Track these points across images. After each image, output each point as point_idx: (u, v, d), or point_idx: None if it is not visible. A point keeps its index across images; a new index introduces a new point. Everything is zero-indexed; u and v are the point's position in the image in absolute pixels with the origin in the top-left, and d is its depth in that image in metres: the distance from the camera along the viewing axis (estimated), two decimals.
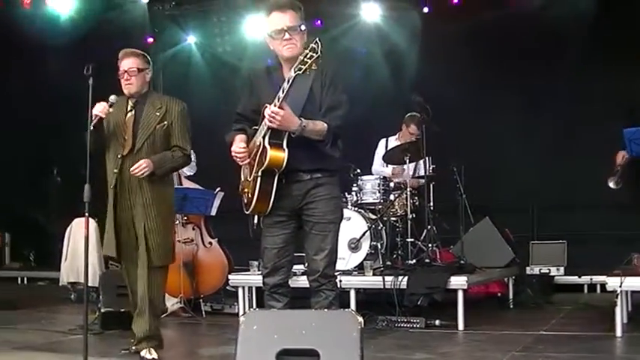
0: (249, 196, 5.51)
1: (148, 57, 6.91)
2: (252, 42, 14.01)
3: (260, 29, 13.39)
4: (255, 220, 5.74)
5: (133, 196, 6.60)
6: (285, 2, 5.47)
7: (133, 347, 6.78)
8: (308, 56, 4.94)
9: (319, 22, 13.64)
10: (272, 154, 5.28)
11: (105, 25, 14.32)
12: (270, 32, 5.49)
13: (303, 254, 5.68)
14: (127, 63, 6.70)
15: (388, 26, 13.44)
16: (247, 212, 5.63)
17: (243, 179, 5.70)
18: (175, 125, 6.73)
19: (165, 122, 6.69)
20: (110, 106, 6.48)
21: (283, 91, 5.16)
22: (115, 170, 6.59)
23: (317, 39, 4.99)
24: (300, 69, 5.00)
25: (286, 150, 5.30)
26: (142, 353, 6.59)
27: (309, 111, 5.39)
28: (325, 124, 5.35)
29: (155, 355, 6.57)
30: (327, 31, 13.46)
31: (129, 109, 6.71)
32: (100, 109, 6.42)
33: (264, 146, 5.34)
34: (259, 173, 5.37)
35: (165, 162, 6.64)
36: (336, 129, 5.44)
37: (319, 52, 4.93)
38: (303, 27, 5.47)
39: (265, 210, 5.48)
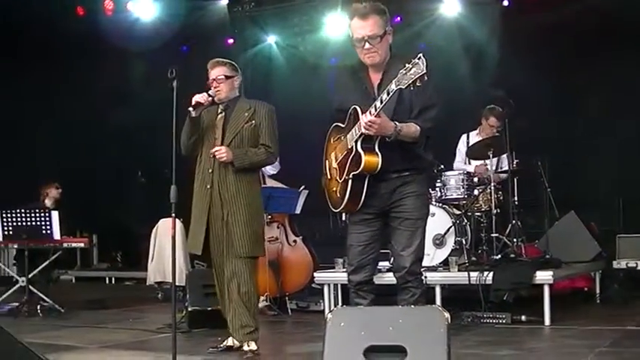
0: (338, 196, 5.57)
1: (236, 65, 7.15)
2: (333, 40, 14.08)
3: (340, 27, 13.49)
4: (343, 217, 5.79)
5: (221, 193, 6.80)
6: (366, 9, 5.45)
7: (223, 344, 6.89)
8: (412, 72, 4.95)
9: (399, 18, 13.63)
10: (367, 159, 5.32)
11: (186, 28, 14.50)
12: (352, 39, 5.53)
13: (388, 251, 5.69)
14: (215, 72, 6.96)
15: (468, 21, 13.38)
16: (336, 211, 5.69)
17: (329, 177, 5.75)
18: (263, 125, 6.95)
19: (254, 122, 6.93)
20: (209, 97, 6.83)
21: (382, 102, 5.17)
22: (210, 170, 6.85)
23: (421, 54, 4.99)
24: (403, 83, 5.00)
25: (380, 154, 5.34)
26: (245, 346, 6.76)
27: (400, 112, 5.41)
28: (418, 127, 5.38)
29: (253, 347, 6.72)
30: (407, 27, 13.46)
31: (219, 112, 7.00)
32: (200, 95, 6.79)
33: (357, 151, 5.37)
34: (351, 176, 5.42)
35: (245, 155, 6.85)
36: (429, 131, 5.46)
37: (424, 70, 4.93)
38: (388, 29, 5.48)
39: (355, 209, 5.54)
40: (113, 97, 16.62)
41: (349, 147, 5.49)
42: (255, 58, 15.85)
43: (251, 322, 6.78)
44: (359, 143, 5.36)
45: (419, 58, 4.96)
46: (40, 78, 15.61)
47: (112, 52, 15.28)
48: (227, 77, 6.95)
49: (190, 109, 6.72)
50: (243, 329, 6.75)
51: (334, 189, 5.67)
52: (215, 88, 6.90)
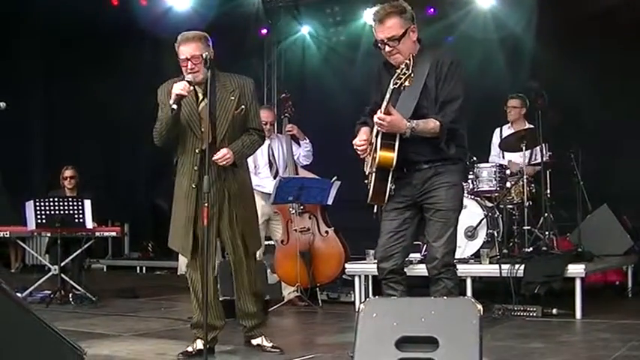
0: (368, 188, 5.64)
1: (208, 35, 6.36)
2: (367, 31, 14.05)
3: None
4: (375, 210, 5.80)
5: (221, 191, 6.31)
6: (383, 12, 5.50)
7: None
8: (402, 72, 5.12)
9: (432, 9, 13.61)
10: (381, 154, 5.40)
11: (221, 18, 14.52)
12: (375, 41, 5.61)
13: (419, 243, 5.71)
14: (189, 49, 6.20)
15: (503, 12, 13.32)
16: (368, 202, 5.72)
17: (367, 170, 5.79)
18: (251, 108, 6.41)
19: (243, 107, 6.34)
20: (190, 85, 6.11)
21: (387, 101, 5.28)
22: (195, 167, 6.27)
23: (410, 55, 5.17)
24: (395, 83, 5.17)
25: (397, 150, 5.37)
26: (254, 341, 6.67)
27: (425, 106, 5.47)
28: (438, 122, 5.40)
29: (269, 343, 6.61)
30: (441, 19, 13.42)
31: (200, 98, 6.31)
32: (181, 87, 6.06)
33: (375, 146, 5.47)
34: (373, 170, 5.51)
35: (244, 150, 6.40)
36: (451, 124, 5.47)
37: (410, 70, 5.09)
38: (411, 27, 5.52)
39: (382, 202, 5.61)
40: (147, 87, 16.68)
41: (372, 142, 5.59)
42: (289, 49, 15.89)
43: (261, 319, 6.75)
44: (378, 139, 5.44)
45: (408, 59, 5.14)
46: (76, 67, 15.69)
47: (147, 42, 15.36)
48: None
49: (173, 105, 6.01)
50: (256, 327, 6.69)
51: (366, 181, 5.74)
52: (191, 70, 6.16)
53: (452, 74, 5.48)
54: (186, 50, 6.19)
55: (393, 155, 5.38)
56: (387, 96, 5.28)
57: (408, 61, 5.11)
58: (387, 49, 5.51)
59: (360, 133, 5.77)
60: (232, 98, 6.29)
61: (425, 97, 5.45)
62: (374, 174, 5.52)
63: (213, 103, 6.18)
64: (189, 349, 6.46)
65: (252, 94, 6.44)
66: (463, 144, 5.70)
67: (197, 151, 6.24)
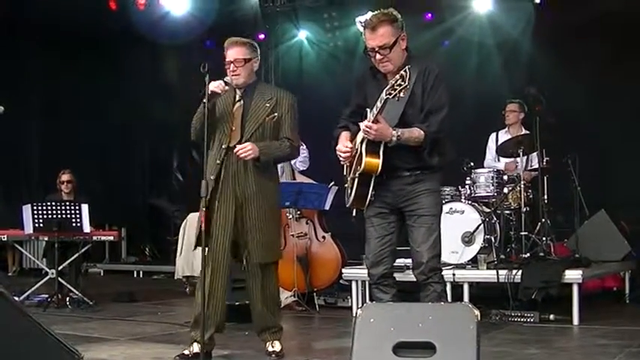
0: (348, 192, 5.72)
1: (255, 44, 6.62)
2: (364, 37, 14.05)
3: None
4: (354, 213, 5.83)
5: (238, 189, 6.37)
6: (375, 20, 5.52)
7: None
8: (397, 83, 5.13)
9: (430, 15, 13.62)
10: (367, 160, 5.44)
11: (219, 23, 14.55)
12: (365, 48, 5.64)
13: (409, 248, 5.73)
14: (233, 53, 6.44)
15: (500, 17, 13.33)
16: (347, 206, 5.81)
17: (345, 174, 5.87)
18: (285, 118, 6.52)
19: (276, 114, 6.48)
20: (226, 85, 6.32)
21: (377, 108, 5.34)
22: (218, 161, 6.39)
23: (407, 67, 5.18)
24: (390, 94, 5.18)
25: (381, 157, 5.43)
26: (267, 346, 6.63)
27: (410, 114, 5.52)
28: (422, 132, 5.45)
29: (277, 348, 6.58)
30: (439, 24, 13.45)
31: (237, 99, 6.52)
32: (216, 84, 6.25)
33: (360, 152, 5.51)
34: (356, 175, 5.55)
35: (271, 149, 6.42)
36: (435, 134, 5.51)
37: (407, 82, 5.11)
38: (401, 35, 5.55)
39: (362, 207, 5.67)
40: (146, 91, 16.72)
41: (356, 147, 5.63)
42: (286, 53, 15.90)
43: (275, 323, 6.68)
44: (363, 145, 5.49)
45: (404, 71, 5.14)
46: (74, 70, 15.70)
47: (145, 46, 15.38)
48: (246, 60, 6.41)
49: (205, 101, 6.18)
50: (268, 330, 6.66)
51: (346, 185, 5.81)
52: (233, 72, 6.41)
53: (438, 84, 5.53)
54: (230, 53, 6.44)
55: (378, 161, 5.43)
56: (379, 105, 5.33)
57: (404, 73, 5.13)
58: (378, 57, 5.53)
59: (342, 139, 5.81)
60: (267, 105, 6.47)
61: (411, 104, 5.49)
62: (356, 179, 5.56)
63: (246, 105, 6.45)
64: (186, 352, 6.42)
65: (290, 106, 6.57)
66: (444, 151, 5.73)
67: (223, 146, 6.39)
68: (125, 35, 14.94)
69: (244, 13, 15.36)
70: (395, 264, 5.82)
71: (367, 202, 5.61)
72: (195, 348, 6.37)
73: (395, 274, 5.81)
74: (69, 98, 16.10)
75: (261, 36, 15.92)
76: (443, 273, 5.74)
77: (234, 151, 6.29)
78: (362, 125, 5.39)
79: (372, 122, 5.33)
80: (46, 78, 15.88)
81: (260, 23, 15.71)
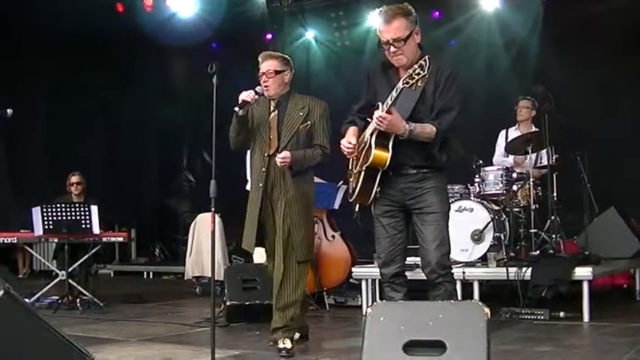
0: (353, 186, 5.72)
1: (288, 58, 7.06)
2: (372, 35, 14.05)
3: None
4: (357, 209, 5.86)
5: (277, 193, 6.81)
6: (390, 13, 5.51)
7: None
8: (416, 72, 5.14)
9: (437, 13, 13.61)
10: (376, 153, 5.44)
11: (226, 24, 14.55)
12: (378, 42, 5.61)
13: (418, 246, 5.72)
14: (265, 65, 6.88)
15: (507, 15, 13.32)
16: (350, 201, 5.84)
17: (350, 168, 5.87)
18: (318, 125, 6.92)
19: (309, 122, 6.88)
20: (256, 94, 6.71)
21: (391, 99, 5.34)
22: (264, 169, 6.82)
23: (427, 57, 5.17)
24: (407, 83, 5.20)
25: (390, 151, 5.44)
26: (280, 343, 6.70)
27: (421, 111, 5.51)
28: (434, 128, 5.44)
29: (288, 345, 6.64)
30: (447, 23, 13.43)
31: (272, 109, 6.93)
32: (246, 94, 6.66)
33: (370, 144, 5.50)
34: (363, 168, 5.55)
35: (304, 158, 6.81)
36: (445, 133, 5.51)
37: (426, 72, 5.12)
38: (415, 30, 5.54)
39: (366, 202, 5.68)
40: (156, 93, 16.74)
41: (365, 140, 5.63)
42: (294, 53, 15.87)
43: (294, 323, 6.82)
44: (373, 137, 5.48)
45: (424, 60, 5.14)
46: (82, 72, 15.71)
47: (153, 48, 15.40)
48: (277, 72, 6.87)
49: (236, 108, 6.63)
50: (284, 328, 6.76)
51: (351, 179, 5.82)
52: (264, 82, 6.83)
53: (451, 84, 5.52)
54: (263, 66, 6.90)
55: (387, 155, 5.43)
56: (394, 94, 5.34)
57: (423, 62, 5.12)
58: (392, 49, 5.52)
59: (349, 134, 5.81)
60: (301, 114, 6.89)
61: (422, 102, 5.48)
62: (362, 173, 5.56)
63: (281, 115, 6.89)
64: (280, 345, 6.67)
65: (322, 114, 6.99)
66: (450, 150, 5.75)
67: (265, 155, 6.84)
68: (132, 37, 14.93)
69: (252, 14, 15.37)
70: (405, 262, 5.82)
71: (371, 199, 5.62)
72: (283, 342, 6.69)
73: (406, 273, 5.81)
74: (77, 99, 16.09)
75: (269, 36, 15.95)
76: (453, 271, 5.73)
77: (276, 158, 6.71)
78: (375, 115, 5.37)
79: (387, 112, 5.31)
80: (54, 79, 15.89)
81: (267, 23, 15.72)
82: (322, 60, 15.56)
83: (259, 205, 6.81)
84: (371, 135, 5.51)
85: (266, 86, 6.83)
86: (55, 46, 15.30)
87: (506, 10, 13.32)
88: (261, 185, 6.80)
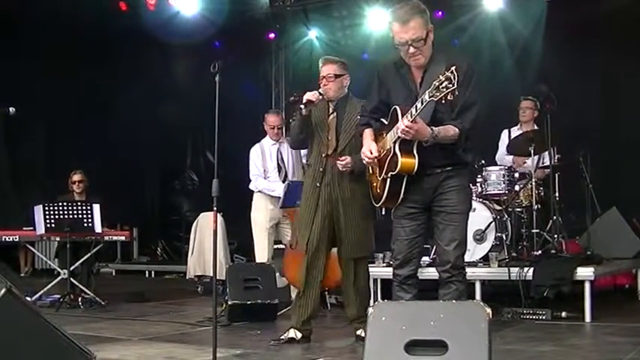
0: (378, 191, 5.71)
1: (346, 64, 7.28)
2: (375, 35, 14.08)
3: (382, 21, 13.51)
4: (383, 211, 5.88)
5: (333, 193, 7.03)
6: (406, 13, 5.42)
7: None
8: (444, 85, 4.99)
9: (440, 13, 13.60)
10: (404, 161, 5.43)
11: (229, 23, 14.55)
12: (395, 42, 5.53)
13: (428, 246, 5.73)
14: (325, 70, 7.13)
15: (510, 15, 13.31)
16: (376, 205, 5.83)
17: (371, 172, 5.87)
18: None
19: None
20: (320, 95, 7.01)
21: (417, 110, 5.25)
22: (321, 169, 7.06)
23: (453, 68, 4.98)
24: (435, 96, 5.07)
25: (417, 156, 5.43)
26: (358, 332, 7.13)
27: (441, 111, 5.45)
28: (457, 130, 5.42)
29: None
30: (450, 22, 13.42)
31: (330, 111, 7.17)
32: (312, 94, 7.00)
33: (394, 152, 5.48)
34: (389, 176, 5.53)
35: (361, 162, 6.75)
36: (467, 132, 5.48)
37: (455, 84, 4.96)
38: (430, 27, 5.47)
39: (394, 205, 5.67)
40: (159, 92, 16.74)
41: (388, 147, 5.60)
42: (297, 53, 15.90)
43: (359, 313, 7.15)
44: (397, 145, 5.47)
45: (451, 72, 4.97)
46: (85, 70, 15.71)
47: (154, 46, 15.39)
48: (336, 76, 7.09)
49: (302, 106, 6.93)
50: (355, 320, 7.24)
51: (374, 184, 5.81)
52: (324, 86, 7.06)
53: (469, 79, 5.42)
54: (324, 69, 7.16)
55: (414, 161, 5.43)
56: (419, 106, 5.23)
57: (450, 75, 4.96)
58: (412, 50, 5.45)
59: (367, 139, 5.84)
60: (358, 117, 6.70)
61: (441, 102, 5.34)
62: (389, 180, 5.55)
63: (340, 117, 7.12)
64: (282, 336, 7.15)
65: None
66: (475, 146, 5.74)
67: (323, 155, 7.10)
68: (135, 35, 14.93)
69: (254, 13, 15.38)
70: None
71: (398, 202, 5.63)
72: (291, 333, 7.13)
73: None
74: (80, 97, 16.09)
75: (272, 36, 15.96)
76: (466, 272, 5.74)
77: (338, 162, 6.97)
78: (400, 125, 5.32)
79: (413, 122, 5.27)
80: (56, 77, 15.88)
81: (270, 23, 15.73)
82: None
83: (316, 205, 7.06)
84: (394, 143, 5.49)
85: (327, 89, 7.07)
86: (58, 45, 15.29)
87: (510, 10, 13.32)
88: (318, 184, 7.06)
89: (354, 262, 7.19)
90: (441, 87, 5.00)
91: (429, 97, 5.11)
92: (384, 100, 5.76)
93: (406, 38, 5.42)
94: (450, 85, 4.97)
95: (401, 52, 5.55)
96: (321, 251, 7.13)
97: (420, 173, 5.51)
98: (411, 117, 5.28)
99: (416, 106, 5.26)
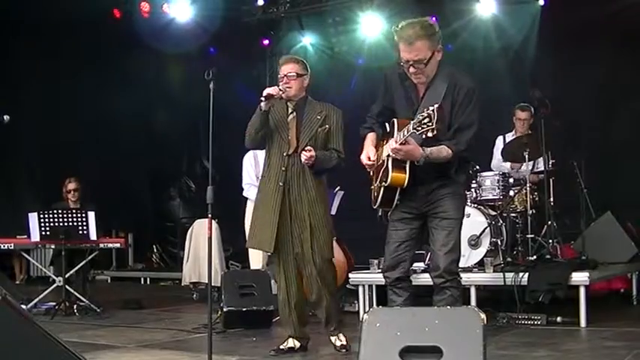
0: (376, 195, 5.76)
1: (307, 64, 7.19)
2: (369, 40, 14.09)
3: (375, 27, 13.54)
4: (380, 213, 5.91)
5: (297, 193, 6.90)
6: (413, 34, 5.41)
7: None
8: (424, 122, 5.09)
9: (434, 18, 13.59)
10: (394, 175, 5.52)
11: (223, 30, 14.56)
12: (399, 59, 5.55)
13: (423, 252, 5.76)
14: (287, 68, 7.02)
15: (504, 21, 13.32)
16: (374, 207, 5.87)
17: (372, 174, 5.91)
18: (335, 130, 7.05)
19: (327, 126, 7.02)
20: (280, 91, 6.84)
21: (403, 136, 5.33)
22: (283, 168, 6.89)
23: (433, 108, 5.06)
24: (417, 130, 5.16)
25: (408, 172, 5.48)
26: (332, 339, 7.14)
27: (438, 130, 5.41)
28: (450, 151, 5.45)
29: (344, 342, 7.05)
30: (443, 28, 13.39)
31: (289, 111, 7.05)
32: (272, 88, 6.84)
33: (387, 166, 5.56)
34: (382, 185, 5.61)
35: (325, 159, 6.95)
36: (463, 152, 5.52)
37: (434, 124, 5.05)
38: (438, 48, 5.52)
39: (389, 208, 5.74)
40: (152, 99, 16.74)
41: (383, 158, 5.68)
42: None
43: (337, 318, 7.18)
44: (389, 159, 5.53)
45: (432, 111, 5.06)
46: (79, 78, 15.71)
47: (149, 52, 15.40)
48: (298, 75, 7.00)
49: (262, 99, 6.75)
50: (330, 325, 7.15)
51: (372, 187, 5.87)
52: (285, 84, 6.93)
53: (469, 100, 5.47)
54: (284, 68, 7.04)
55: (405, 176, 5.50)
56: (406, 133, 5.29)
57: (431, 113, 5.05)
58: (412, 70, 5.48)
59: (368, 145, 5.86)
60: (319, 117, 7.03)
61: (439, 120, 5.33)
62: (382, 189, 5.63)
63: (300, 117, 7.01)
64: (282, 346, 7.02)
65: (338, 120, 7.12)
66: (469, 168, 5.78)
67: (285, 154, 6.94)
68: (129, 42, 14.94)
69: (249, 20, 15.38)
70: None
71: (393, 206, 5.69)
72: (290, 343, 7.06)
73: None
74: (74, 105, 16.10)
75: (266, 42, 15.96)
76: (460, 278, 5.76)
77: (302, 155, 6.82)
78: (390, 147, 5.43)
79: (401, 144, 5.33)
80: (51, 85, 15.89)
81: (264, 29, 15.74)
82: (319, 66, 15.51)
83: (280, 205, 6.85)
84: (387, 156, 5.56)
85: (288, 87, 6.93)
86: (52, 52, 15.30)
87: (503, 15, 13.32)
88: (281, 184, 6.87)
89: (329, 265, 7.05)
90: (422, 122, 5.10)
91: (413, 129, 5.20)
92: (388, 106, 5.81)
93: (408, 58, 5.45)
94: (430, 124, 5.06)
95: (404, 67, 5.56)
96: (290, 253, 6.93)
97: (415, 182, 5.57)
98: (399, 139, 5.36)
99: (403, 133, 5.34)
